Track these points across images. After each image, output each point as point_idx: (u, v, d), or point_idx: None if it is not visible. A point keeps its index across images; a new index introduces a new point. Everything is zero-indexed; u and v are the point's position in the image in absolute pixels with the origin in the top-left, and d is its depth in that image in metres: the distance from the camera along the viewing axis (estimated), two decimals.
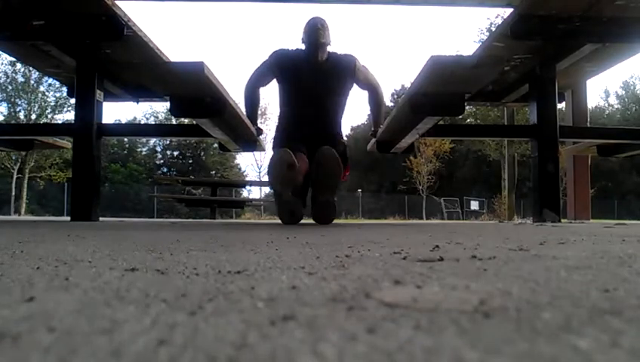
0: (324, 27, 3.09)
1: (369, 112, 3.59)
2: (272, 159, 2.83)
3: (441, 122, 3.43)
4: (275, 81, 3.24)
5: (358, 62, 3.20)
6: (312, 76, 3.09)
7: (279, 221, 2.90)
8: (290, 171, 2.69)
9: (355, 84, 3.23)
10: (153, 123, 27.45)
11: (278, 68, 3.16)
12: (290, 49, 3.21)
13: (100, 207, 3.51)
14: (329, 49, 3.15)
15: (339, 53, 3.21)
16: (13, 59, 17.83)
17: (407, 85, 13.68)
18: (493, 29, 5.52)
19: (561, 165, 4.09)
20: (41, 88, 21.89)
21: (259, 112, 3.57)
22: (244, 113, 3.21)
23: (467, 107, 9.83)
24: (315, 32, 3.06)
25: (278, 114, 3.36)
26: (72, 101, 7.59)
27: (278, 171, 2.72)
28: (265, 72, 3.22)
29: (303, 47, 3.15)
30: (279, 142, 3.14)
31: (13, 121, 20.08)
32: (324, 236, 1.51)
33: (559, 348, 0.29)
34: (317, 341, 0.30)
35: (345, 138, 3.47)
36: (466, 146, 26.90)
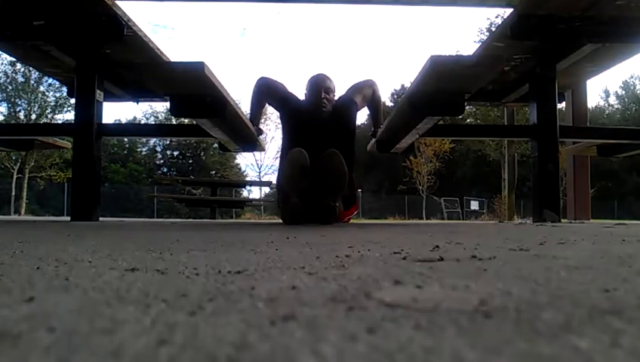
0: (328, 91, 3.09)
1: (369, 112, 3.59)
2: (287, 159, 2.81)
3: (441, 122, 3.43)
4: (279, 117, 3.27)
5: (355, 97, 3.20)
6: (316, 128, 3.08)
7: (279, 221, 2.90)
8: (303, 175, 2.67)
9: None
10: (153, 123, 27.44)
11: (283, 107, 3.19)
12: (296, 97, 3.22)
13: (100, 207, 3.51)
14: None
15: (337, 100, 3.20)
16: (13, 59, 17.83)
17: (407, 85, 13.68)
18: (493, 29, 5.52)
19: (561, 165, 4.08)
20: (41, 88, 21.92)
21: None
22: (247, 113, 3.22)
23: (467, 107, 9.82)
24: (319, 99, 3.06)
25: (280, 157, 3.37)
26: (72, 101, 7.59)
27: (292, 173, 2.70)
28: (275, 95, 3.24)
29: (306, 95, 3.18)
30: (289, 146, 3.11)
31: (13, 121, 20.08)
32: (324, 236, 1.51)
33: (559, 348, 0.29)
34: (317, 341, 0.30)
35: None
36: (466, 146, 26.91)
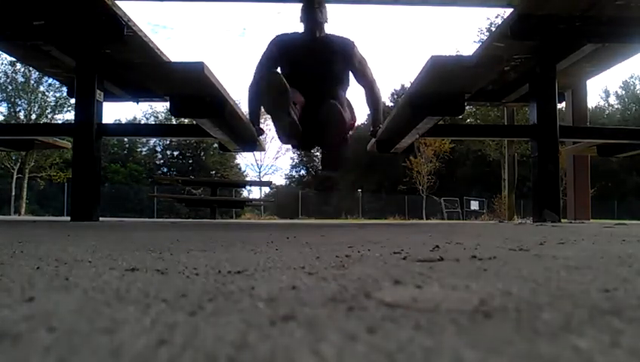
0: (321, 5, 3.09)
1: (369, 112, 3.58)
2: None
3: (441, 122, 3.43)
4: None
5: (356, 49, 3.19)
6: (309, 54, 3.08)
7: (279, 221, 2.91)
8: (283, 96, 2.62)
9: (351, 72, 3.22)
10: (153, 123, 27.42)
11: (278, 53, 3.16)
12: (288, 32, 3.21)
13: (100, 207, 3.51)
14: (327, 29, 3.15)
15: (338, 35, 3.20)
16: (13, 59, 17.82)
17: (407, 85, 13.69)
18: (493, 29, 5.52)
19: (561, 165, 4.08)
20: (41, 88, 21.90)
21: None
22: (246, 113, 3.21)
23: (467, 107, 9.81)
24: (311, 8, 3.06)
25: None
26: (72, 101, 7.59)
27: (271, 97, 2.66)
28: (267, 64, 3.21)
29: (301, 27, 3.15)
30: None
31: (13, 121, 20.09)
32: (324, 236, 1.51)
33: (559, 348, 0.29)
34: (317, 341, 0.30)
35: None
36: (466, 146, 26.89)
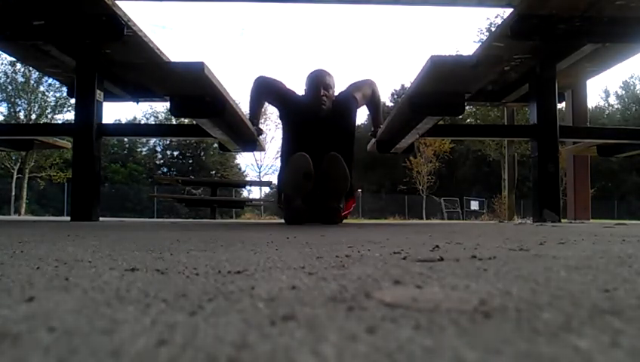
0: (327, 87, 3.06)
1: (368, 112, 3.59)
2: (289, 163, 2.81)
3: (441, 122, 3.43)
4: (278, 116, 3.26)
5: (355, 94, 3.19)
6: (316, 126, 3.07)
7: (279, 221, 2.91)
8: (306, 179, 2.68)
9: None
10: (153, 123, 27.43)
11: (283, 105, 3.18)
12: (296, 93, 3.20)
13: (100, 207, 3.51)
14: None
15: (337, 96, 3.18)
16: (13, 59, 17.82)
17: (407, 85, 13.68)
18: (493, 29, 5.52)
19: (561, 165, 4.08)
20: (41, 88, 21.91)
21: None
22: (246, 112, 3.22)
23: (467, 107, 9.81)
24: (318, 96, 3.03)
25: (280, 155, 3.37)
26: (72, 101, 7.58)
27: (295, 178, 2.71)
28: (274, 94, 3.23)
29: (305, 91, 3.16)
30: (290, 150, 3.08)
31: (13, 121, 20.08)
32: (324, 236, 1.51)
33: (559, 348, 0.29)
34: (317, 341, 0.30)
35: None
36: (466, 146, 26.91)
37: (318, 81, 3.06)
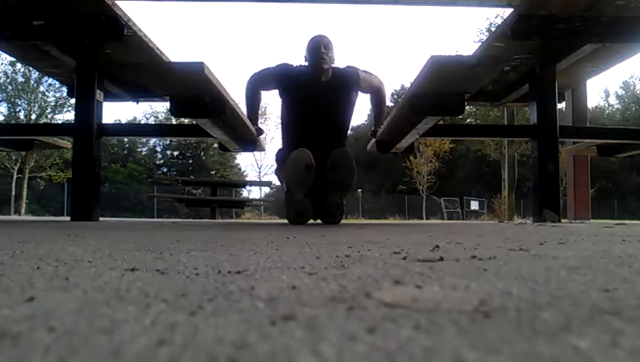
0: (328, 47, 3.07)
1: (369, 112, 3.60)
2: (290, 158, 2.83)
3: (441, 122, 3.43)
4: (277, 94, 3.25)
5: (360, 73, 3.19)
6: (316, 95, 3.07)
7: (279, 221, 2.92)
8: (308, 172, 2.70)
9: (360, 92, 3.24)
10: (153, 123, 27.43)
11: (281, 82, 3.16)
12: (294, 65, 3.19)
13: (99, 207, 3.51)
14: (332, 65, 3.14)
15: (341, 68, 3.19)
16: (13, 59, 17.82)
17: (407, 85, 13.67)
18: (493, 29, 5.52)
19: (561, 165, 4.09)
20: (41, 88, 21.89)
21: (259, 112, 3.57)
22: (245, 113, 3.21)
23: (467, 107, 9.81)
24: (318, 54, 3.04)
25: (281, 129, 3.37)
26: (72, 101, 7.58)
27: (296, 171, 2.73)
28: (269, 78, 3.22)
29: (306, 64, 3.14)
30: (290, 145, 3.11)
31: (13, 121, 20.08)
32: (324, 236, 1.51)
33: (559, 348, 0.29)
34: (317, 341, 0.30)
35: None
36: (466, 146, 26.90)
37: (318, 42, 3.09)
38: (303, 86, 3.10)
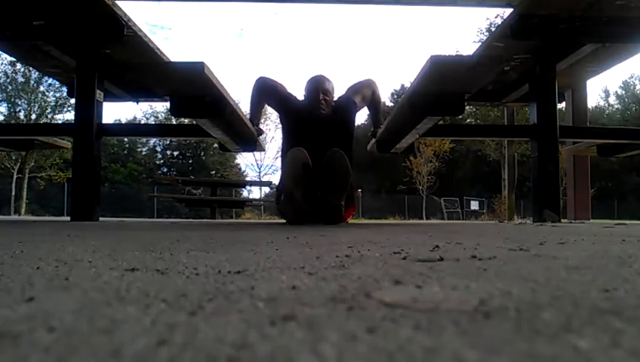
0: (326, 92, 3.09)
1: (368, 113, 3.60)
2: (287, 157, 2.84)
3: (441, 122, 3.43)
4: (278, 118, 3.28)
5: (353, 95, 3.21)
6: (316, 130, 3.09)
7: (279, 221, 2.91)
8: (305, 172, 2.71)
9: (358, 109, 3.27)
10: (153, 123, 27.43)
11: (283, 106, 3.20)
12: (296, 98, 3.23)
13: (100, 207, 3.51)
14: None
15: (339, 99, 3.20)
16: (13, 59, 17.82)
17: (407, 85, 13.67)
18: (493, 29, 5.52)
19: (561, 165, 4.08)
20: (41, 88, 21.90)
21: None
22: (247, 112, 3.22)
23: (467, 107, 9.82)
24: (317, 101, 3.06)
25: (281, 159, 3.39)
26: (72, 101, 7.58)
27: (294, 170, 2.74)
28: (273, 96, 3.25)
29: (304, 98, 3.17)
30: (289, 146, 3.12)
31: (13, 121, 20.08)
32: (324, 236, 1.51)
33: (559, 348, 0.29)
34: (317, 341, 0.30)
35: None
36: (466, 146, 26.90)
37: (317, 87, 3.09)
38: (303, 120, 3.13)
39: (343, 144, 3.10)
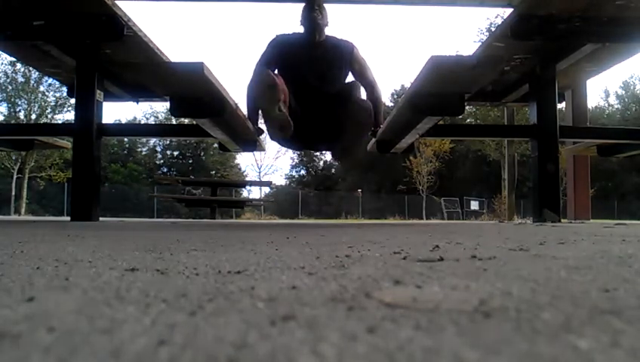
0: (321, 7, 3.10)
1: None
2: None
3: (441, 122, 3.43)
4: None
5: (356, 50, 3.19)
6: (309, 58, 3.08)
7: (279, 221, 2.91)
8: (272, 90, 2.65)
9: (351, 73, 3.23)
10: (153, 123, 27.43)
11: (278, 55, 3.16)
12: (288, 33, 3.21)
13: (100, 207, 3.51)
14: (327, 31, 3.14)
15: (338, 37, 3.20)
16: (14, 59, 17.82)
17: (407, 85, 13.67)
18: (493, 29, 5.52)
19: (561, 165, 4.08)
20: (41, 88, 21.87)
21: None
22: (245, 113, 3.21)
23: (467, 107, 9.82)
24: (311, 11, 3.06)
25: None
26: (72, 101, 7.58)
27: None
28: (266, 64, 3.21)
29: (301, 29, 3.15)
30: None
31: (13, 121, 20.07)
32: (324, 236, 1.51)
33: (559, 348, 0.29)
34: (317, 341, 0.30)
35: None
36: (466, 146, 26.89)
37: (312, 2, 3.10)
38: (297, 50, 3.11)
39: (337, 75, 3.13)
